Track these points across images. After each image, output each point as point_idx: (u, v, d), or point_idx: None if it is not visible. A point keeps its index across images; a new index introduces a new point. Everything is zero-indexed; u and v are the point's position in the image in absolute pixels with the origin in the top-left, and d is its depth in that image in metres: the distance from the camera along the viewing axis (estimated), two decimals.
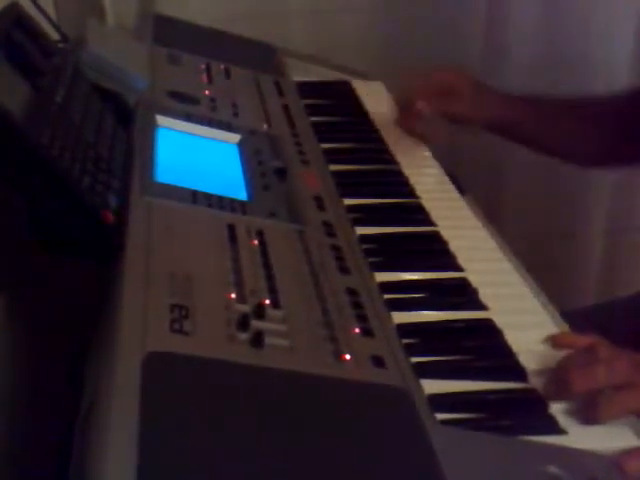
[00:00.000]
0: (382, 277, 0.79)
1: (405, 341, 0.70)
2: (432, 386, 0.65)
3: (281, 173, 0.91)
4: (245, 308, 0.65)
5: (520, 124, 1.15)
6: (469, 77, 1.16)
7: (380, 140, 1.11)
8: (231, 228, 0.76)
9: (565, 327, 0.77)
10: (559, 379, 0.66)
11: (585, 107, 1.16)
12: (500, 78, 1.56)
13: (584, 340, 0.71)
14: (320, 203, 0.89)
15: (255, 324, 0.63)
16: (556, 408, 0.65)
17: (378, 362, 0.64)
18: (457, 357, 0.70)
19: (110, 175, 0.76)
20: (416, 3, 1.55)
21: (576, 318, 0.79)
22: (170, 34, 1.24)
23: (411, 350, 0.69)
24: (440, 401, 0.64)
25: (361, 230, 0.87)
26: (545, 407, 0.65)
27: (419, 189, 0.98)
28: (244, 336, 0.61)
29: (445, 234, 0.89)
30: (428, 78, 1.13)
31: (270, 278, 0.70)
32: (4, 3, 0.83)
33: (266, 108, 1.10)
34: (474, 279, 0.81)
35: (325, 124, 1.14)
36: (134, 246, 0.69)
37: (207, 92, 1.07)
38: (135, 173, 0.80)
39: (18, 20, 0.82)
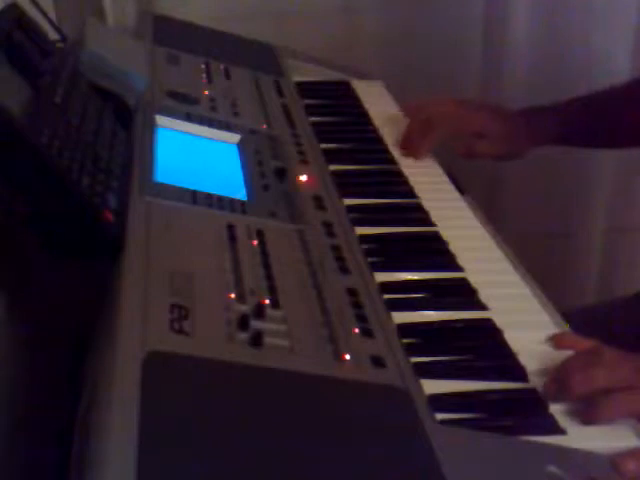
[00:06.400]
0: (382, 277, 0.79)
1: (405, 341, 0.70)
2: (432, 386, 0.65)
3: (281, 173, 0.91)
4: (245, 308, 0.64)
5: (565, 134, 1.13)
6: (497, 115, 1.12)
7: (380, 140, 1.11)
8: (231, 228, 0.76)
9: (565, 327, 0.77)
10: (560, 380, 0.66)
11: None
12: (499, 78, 1.56)
13: (587, 343, 0.71)
14: (320, 203, 0.88)
15: (255, 324, 0.63)
16: (556, 408, 0.65)
17: (378, 362, 0.64)
18: (457, 357, 0.70)
19: (109, 175, 0.76)
20: (415, 3, 1.55)
21: (576, 318, 0.79)
22: (169, 34, 1.24)
23: (411, 350, 0.69)
24: (440, 401, 0.64)
25: (361, 230, 0.87)
26: (545, 407, 0.65)
27: (419, 189, 0.98)
28: (244, 336, 0.61)
29: (445, 234, 0.89)
30: (458, 122, 1.10)
31: (270, 278, 0.70)
32: (4, 3, 0.83)
33: (266, 108, 1.10)
34: (474, 279, 0.81)
35: (325, 124, 1.14)
36: (134, 246, 0.69)
37: (207, 92, 1.07)
38: (135, 173, 0.80)
39: (18, 20, 0.82)
